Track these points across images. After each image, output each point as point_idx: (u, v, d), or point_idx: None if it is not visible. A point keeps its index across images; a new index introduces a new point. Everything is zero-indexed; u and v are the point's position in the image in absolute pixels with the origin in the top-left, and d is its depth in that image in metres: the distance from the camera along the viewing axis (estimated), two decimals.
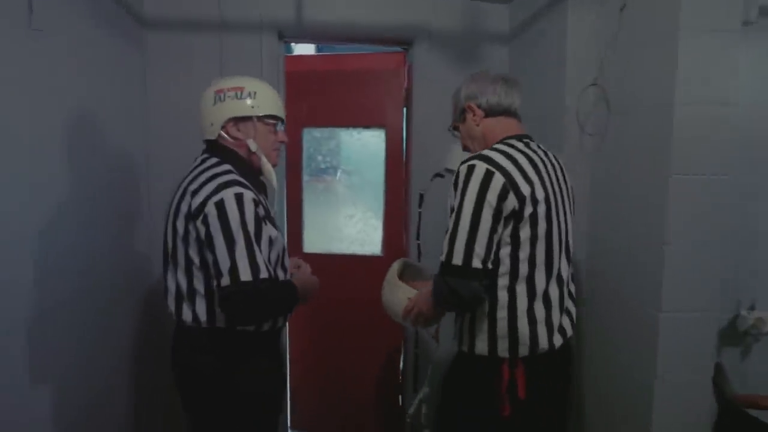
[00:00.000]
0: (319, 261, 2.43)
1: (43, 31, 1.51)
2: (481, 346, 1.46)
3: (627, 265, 1.83)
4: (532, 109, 2.11)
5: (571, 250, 1.55)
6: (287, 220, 2.82)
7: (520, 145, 1.48)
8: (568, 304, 1.55)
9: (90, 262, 1.85)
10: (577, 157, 2.02)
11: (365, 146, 2.71)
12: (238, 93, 1.48)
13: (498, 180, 1.35)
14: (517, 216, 1.36)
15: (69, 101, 1.68)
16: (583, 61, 1.97)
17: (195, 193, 1.38)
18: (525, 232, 1.38)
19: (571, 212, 1.56)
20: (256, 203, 1.38)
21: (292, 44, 2.89)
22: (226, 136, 1.51)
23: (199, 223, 1.34)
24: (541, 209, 1.39)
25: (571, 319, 1.56)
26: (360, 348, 2.89)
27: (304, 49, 3.74)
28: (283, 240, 1.73)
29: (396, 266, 1.79)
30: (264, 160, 1.54)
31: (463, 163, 1.41)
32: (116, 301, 2.05)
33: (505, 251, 1.39)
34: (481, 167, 1.36)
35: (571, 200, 1.58)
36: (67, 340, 1.70)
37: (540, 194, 1.40)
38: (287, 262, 1.63)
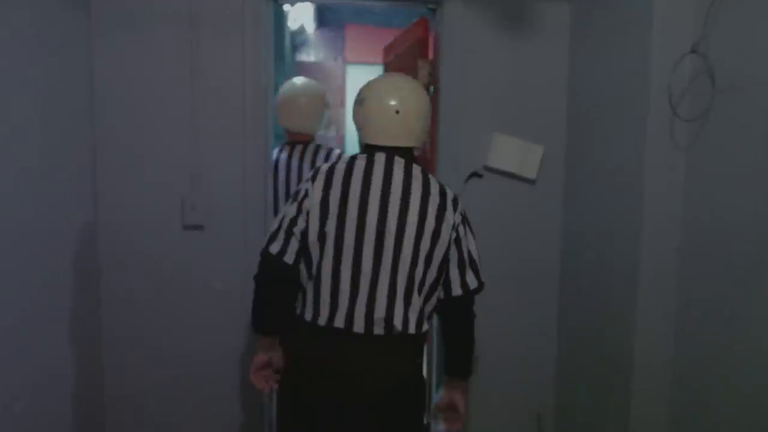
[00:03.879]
0: None
1: None
2: None
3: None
4: (604, 87, 2.07)
5: None
6: None
7: None
8: None
9: None
10: (667, 149, 1.84)
11: None
12: None
13: None
14: None
15: None
16: (676, 20, 1.80)
17: (443, 195, 1.57)
18: None
19: None
20: None
21: (286, 6, 2.56)
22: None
23: (460, 223, 1.58)
24: None
25: None
26: None
27: (300, 12, 3.55)
28: None
29: None
30: None
31: None
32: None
33: None
34: None
35: None
36: None
37: None
38: None
